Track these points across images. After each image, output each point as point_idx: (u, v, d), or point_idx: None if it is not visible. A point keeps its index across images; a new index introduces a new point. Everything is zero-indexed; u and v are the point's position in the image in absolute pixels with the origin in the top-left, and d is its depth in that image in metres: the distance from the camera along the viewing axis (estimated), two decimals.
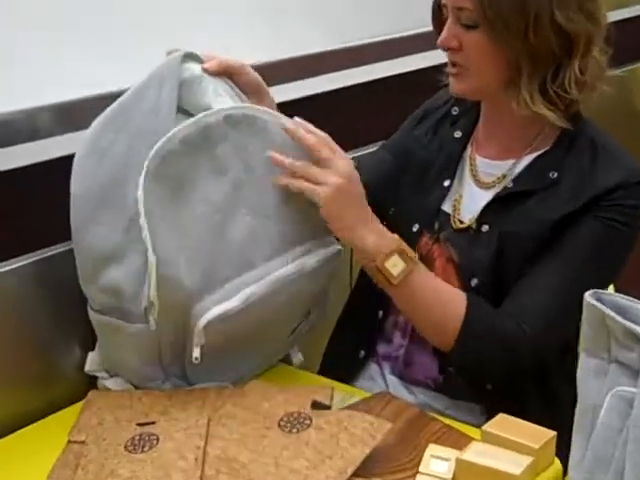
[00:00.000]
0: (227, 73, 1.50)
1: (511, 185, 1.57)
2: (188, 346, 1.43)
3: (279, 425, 1.34)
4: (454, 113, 1.70)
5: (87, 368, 1.55)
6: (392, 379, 1.67)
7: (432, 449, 1.31)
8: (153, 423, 1.37)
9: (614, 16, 1.91)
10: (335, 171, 1.45)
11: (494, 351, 1.50)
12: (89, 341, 1.55)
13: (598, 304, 1.11)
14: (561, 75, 1.50)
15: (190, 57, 1.47)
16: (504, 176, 1.59)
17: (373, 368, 1.69)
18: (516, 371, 1.54)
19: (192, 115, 1.43)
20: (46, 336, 1.55)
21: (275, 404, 1.38)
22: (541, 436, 1.33)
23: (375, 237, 1.47)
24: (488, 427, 1.34)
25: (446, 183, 1.64)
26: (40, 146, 1.57)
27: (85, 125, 1.47)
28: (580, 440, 1.15)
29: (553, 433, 1.33)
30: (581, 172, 1.54)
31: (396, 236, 1.49)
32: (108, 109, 1.45)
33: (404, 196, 1.67)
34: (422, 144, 1.70)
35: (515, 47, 1.48)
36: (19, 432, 1.46)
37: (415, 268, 1.49)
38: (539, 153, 1.58)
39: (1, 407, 1.48)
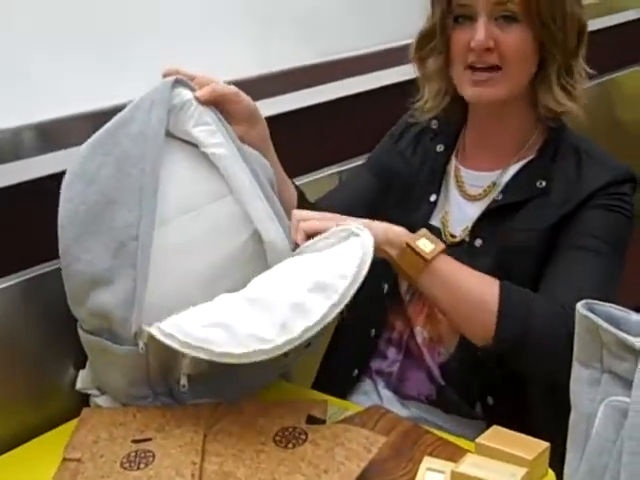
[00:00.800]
0: (220, 101, 1.50)
1: (500, 197, 1.58)
2: (175, 370, 1.44)
3: (274, 440, 1.34)
4: (434, 127, 1.70)
5: (78, 386, 1.56)
6: (386, 394, 1.68)
7: (427, 462, 1.32)
8: (149, 440, 1.37)
9: (596, 24, 1.94)
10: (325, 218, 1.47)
11: (542, 329, 1.43)
12: (81, 359, 1.56)
13: (590, 314, 1.12)
14: (572, 68, 1.54)
15: (181, 83, 1.48)
16: (492, 185, 1.60)
17: (367, 383, 1.70)
18: (558, 355, 1.38)
19: (179, 140, 1.46)
20: (38, 354, 1.55)
21: (270, 419, 1.39)
22: (535, 447, 1.33)
23: (398, 228, 1.47)
24: (482, 439, 1.35)
25: (432, 198, 1.64)
26: (26, 164, 1.57)
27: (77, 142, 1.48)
28: (574, 450, 1.16)
29: (546, 444, 1.34)
30: (568, 179, 1.55)
31: (424, 229, 1.49)
32: (97, 133, 1.46)
33: (391, 216, 1.65)
34: (405, 160, 1.71)
35: (551, 41, 1.49)
36: (13, 451, 1.47)
37: (444, 252, 1.46)
38: (525, 162, 1.59)
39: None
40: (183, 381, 1.42)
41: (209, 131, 1.46)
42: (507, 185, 1.59)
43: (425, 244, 1.45)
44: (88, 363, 1.55)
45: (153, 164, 1.41)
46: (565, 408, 1.60)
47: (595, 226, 1.52)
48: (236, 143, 1.47)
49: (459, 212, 1.63)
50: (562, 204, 1.54)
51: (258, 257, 1.47)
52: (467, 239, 1.59)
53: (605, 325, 1.09)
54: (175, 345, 1.33)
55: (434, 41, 1.59)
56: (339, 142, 2.08)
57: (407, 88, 1.67)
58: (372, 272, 1.65)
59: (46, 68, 1.61)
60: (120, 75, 1.68)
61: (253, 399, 1.48)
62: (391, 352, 1.68)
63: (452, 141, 1.68)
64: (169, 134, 1.47)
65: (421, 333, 1.64)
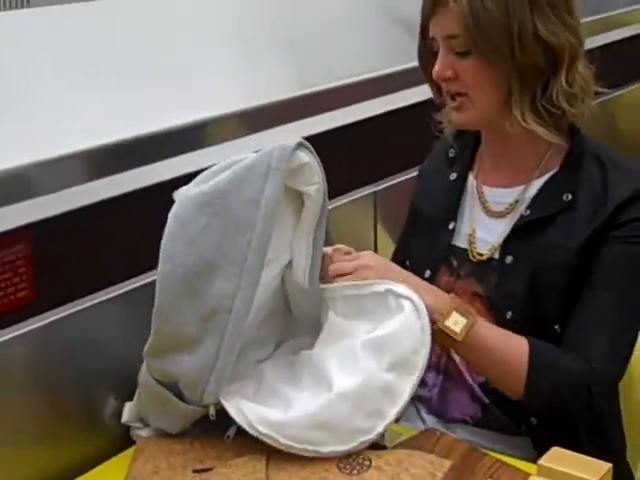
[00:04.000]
0: None
1: (528, 213, 1.59)
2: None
3: (338, 467, 1.34)
4: (451, 155, 1.72)
5: (124, 419, 1.54)
6: (429, 419, 1.67)
7: None
8: (210, 469, 1.36)
9: (597, 41, 1.96)
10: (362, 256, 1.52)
11: (567, 393, 1.51)
12: (125, 392, 1.55)
13: None
14: (549, 90, 1.53)
15: (303, 145, 1.42)
16: (516, 202, 1.61)
17: (410, 410, 1.69)
18: (597, 407, 1.53)
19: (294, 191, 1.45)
20: (82, 388, 1.54)
21: None
22: (598, 469, 1.33)
23: (430, 297, 1.48)
24: (544, 461, 1.34)
25: (450, 226, 1.66)
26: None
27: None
28: None
29: (609, 465, 1.34)
30: (594, 189, 1.56)
31: (451, 294, 1.52)
32: (205, 189, 1.39)
33: (414, 245, 1.72)
34: (427, 195, 1.73)
35: (505, 67, 1.50)
36: None
37: (475, 321, 1.49)
38: (549, 175, 1.60)
39: (44, 459, 1.48)
40: (230, 432, 1.43)
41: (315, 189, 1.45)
42: (533, 200, 1.59)
43: (456, 321, 1.48)
44: (137, 398, 1.53)
45: (262, 238, 1.37)
46: (607, 426, 1.62)
47: (618, 265, 1.53)
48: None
49: (485, 230, 1.63)
50: (591, 219, 1.54)
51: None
52: (497, 256, 1.60)
53: None
54: (274, 444, 1.35)
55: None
56: (373, 162, 2.08)
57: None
58: None
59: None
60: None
61: None
62: (430, 377, 1.67)
63: (467, 165, 1.69)
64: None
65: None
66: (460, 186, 1.68)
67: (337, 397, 1.37)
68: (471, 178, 1.68)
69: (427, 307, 1.45)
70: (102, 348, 1.54)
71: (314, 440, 1.35)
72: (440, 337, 1.48)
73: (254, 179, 1.37)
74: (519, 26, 1.49)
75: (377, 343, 1.41)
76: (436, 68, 1.55)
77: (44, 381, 1.47)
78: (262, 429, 1.35)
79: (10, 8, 4.34)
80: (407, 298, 1.43)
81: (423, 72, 1.63)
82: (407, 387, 1.39)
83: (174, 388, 1.43)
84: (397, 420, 1.54)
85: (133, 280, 1.57)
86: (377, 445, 1.40)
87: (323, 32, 2.30)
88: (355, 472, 1.32)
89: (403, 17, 2.46)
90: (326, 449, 1.35)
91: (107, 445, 1.52)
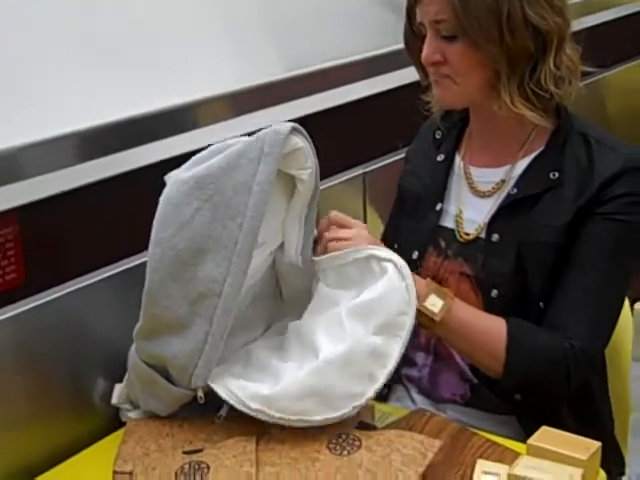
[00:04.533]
0: None
1: (515, 191, 1.59)
2: None
3: (328, 447, 1.34)
4: (437, 137, 1.73)
5: (114, 401, 1.54)
6: (419, 399, 1.68)
7: (481, 465, 1.32)
8: (200, 450, 1.37)
9: (583, 23, 1.96)
10: (357, 240, 1.51)
11: (544, 371, 1.53)
12: (115, 374, 1.55)
13: None
14: (537, 73, 1.53)
15: (297, 131, 1.42)
16: (503, 181, 1.61)
17: (399, 389, 1.70)
18: (575, 384, 1.54)
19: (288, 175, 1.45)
20: (72, 370, 1.54)
21: (322, 426, 1.38)
22: (587, 447, 1.34)
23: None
24: (533, 440, 1.35)
25: (437, 207, 1.67)
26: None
27: None
28: (638, 448, 1.17)
29: (598, 444, 1.34)
30: (580, 168, 1.56)
31: (428, 279, 1.54)
32: (196, 173, 1.39)
33: (403, 226, 1.72)
34: (416, 177, 1.74)
35: (493, 51, 1.50)
36: (55, 469, 1.46)
37: (453, 303, 1.52)
38: (535, 154, 1.60)
39: (35, 441, 1.48)
40: (222, 412, 1.43)
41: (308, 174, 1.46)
42: (520, 179, 1.60)
43: (434, 303, 1.51)
44: (127, 380, 1.53)
45: (253, 222, 1.36)
46: (597, 404, 1.63)
47: (602, 244, 1.54)
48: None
49: (472, 210, 1.64)
50: (577, 197, 1.55)
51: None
52: (483, 235, 1.61)
53: None
54: (265, 418, 1.36)
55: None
56: (362, 144, 2.08)
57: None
58: None
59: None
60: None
61: None
62: (420, 357, 1.69)
63: (454, 146, 1.70)
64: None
65: None
66: (447, 167, 1.69)
67: (325, 364, 1.37)
68: (458, 159, 1.69)
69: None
70: (92, 330, 1.54)
71: (306, 410, 1.35)
72: (419, 319, 1.49)
73: (246, 164, 1.37)
74: (508, 10, 1.49)
75: (362, 308, 1.41)
76: (424, 53, 1.55)
77: (34, 363, 1.47)
78: (253, 405, 1.36)
79: None
80: (389, 260, 1.45)
81: (410, 55, 1.64)
82: (395, 349, 1.39)
83: (163, 371, 1.43)
84: (386, 399, 1.56)
85: (122, 262, 1.57)
86: (367, 425, 1.41)
87: (313, 15, 2.29)
88: (345, 452, 1.33)
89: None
90: (318, 417, 1.36)
91: (96, 427, 1.52)
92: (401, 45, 1.66)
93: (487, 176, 1.64)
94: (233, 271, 1.36)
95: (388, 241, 1.70)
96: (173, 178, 1.42)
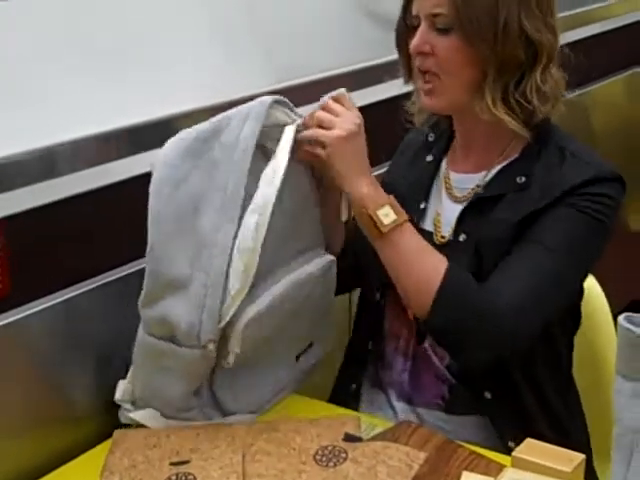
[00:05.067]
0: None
1: (481, 192, 1.62)
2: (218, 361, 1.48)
3: (315, 459, 1.35)
4: (430, 140, 1.74)
5: (117, 396, 1.54)
6: (400, 405, 1.68)
7: (467, 477, 1.32)
8: (186, 462, 1.37)
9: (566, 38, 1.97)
10: (344, 120, 1.51)
11: (468, 319, 1.50)
12: (102, 385, 1.56)
13: (631, 326, 1.13)
14: (523, 84, 1.55)
15: (280, 104, 1.50)
16: (477, 186, 1.63)
17: (380, 397, 1.71)
18: (494, 352, 1.53)
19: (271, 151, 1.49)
20: (65, 378, 1.54)
21: (308, 438, 1.39)
22: (572, 459, 1.34)
23: (371, 188, 1.52)
24: (518, 453, 1.36)
25: (421, 205, 1.68)
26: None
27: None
28: (620, 464, 1.17)
29: (582, 456, 1.35)
30: (549, 175, 1.57)
31: (391, 195, 1.54)
32: (187, 136, 1.46)
33: None
34: (403, 174, 1.75)
35: (484, 51, 1.52)
36: (48, 476, 1.46)
37: (405, 223, 1.52)
38: (508, 161, 1.62)
39: (25, 451, 1.48)
40: (230, 359, 1.46)
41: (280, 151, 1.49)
42: (488, 182, 1.63)
43: (387, 214, 1.51)
44: (131, 374, 1.54)
45: (239, 176, 1.44)
46: (561, 414, 1.64)
47: (558, 225, 1.54)
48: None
49: (449, 214, 1.66)
50: (538, 199, 1.56)
51: None
52: (452, 237, 1.63)
53: None
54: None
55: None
56: None
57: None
58: (363, 282, 1.74)
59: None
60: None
61: (286, 418, 1.48)
62: (399, 362, 1.69)
63: (442, 149, 1.71)
64: (259, 146, 1.49)
65: (428, 338, 1.66)
66: (433, 169, 1.70)
67: None
68: (444, 163, 1.71)
69: (363, 194, 1.50)
70: (80, 340, 1.53)
71: None
72: (367, 225, 1.51)
73: (233, 126, 1.46)
74: (506, 15, 1.51)
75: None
76: (414, 42, 1.56)
77: (22, 374, 1.47)
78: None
79: None
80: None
81: (398, 49, 1.64)
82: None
83: (171, 340, 1.46)
84: (359, 402, 1.61)
85: (110, 273, 1.57)
86: (353, 437, 1.42)
87: (304, 28, 2.30)
88: (332, 464, 1.34)
89: (378, 12, 2.47)
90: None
91: (85, 437, 1.52)
92: (385, 58, 1.67)
93: (463, 182, 1.66)
94: (225, 222, 1.43)
95: None
96: (167, 143, 1.48)
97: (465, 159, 1.67)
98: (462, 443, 1.47)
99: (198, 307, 1.42)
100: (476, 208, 1.61)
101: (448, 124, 1.71)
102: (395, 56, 1.68)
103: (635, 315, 1.16)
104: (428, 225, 1.67)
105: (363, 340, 1.73)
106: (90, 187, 1.53)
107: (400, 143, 1.83)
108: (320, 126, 1.52)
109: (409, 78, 1.65)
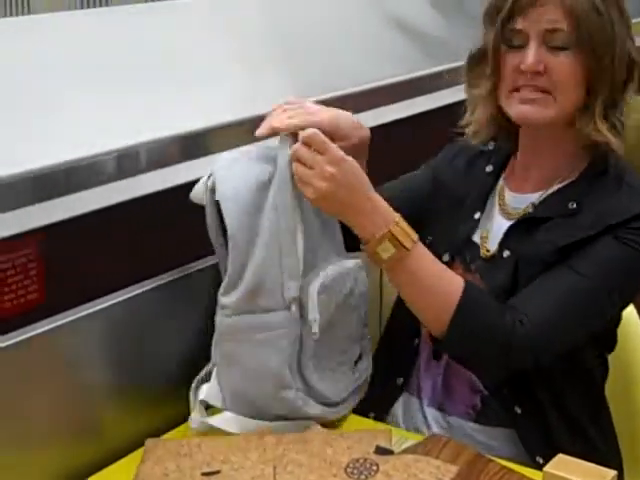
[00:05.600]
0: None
1: (531, 211, 1.61)
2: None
3: (346, 472, 1.35)
4: (490, 148, 1.73)
5: (202, 397, 1.56)
6: (431, 412, 1.68)
7: None
8: (218, 472, 1.38)
9: None
10: (315, 175, 1.45)
11: (486, 342, 1.49)
12: (136, 393, 1.57)
13: None
14: (619, 102, 1.56)
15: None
16: (530, 205, 1.62)
17: (412, 402, 1.71)
18: (513, 369, 1.53)
19: None
20: (93, 390, 1.54)
21: (339, 450, 1.40)
22: (603, 475, 1.35)
23: (368, 223, 1.48)
24: (550, 468, 1.36)
25: (476, 215, 1.67)
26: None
27: None
28: None
29: (614, 472, 1.35)
30: (602, 205, 1.56)
31: (394, 217, 1.48)
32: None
33: (436, 226, 1.70)
34: (456, 177, 1.73)
35: (599, 72, 1.52)
36: None
37: (407, 254, 1.48)
38: (564, 184, 1.61)
39: (54, 462, 1.48)
40: (315, 328, 1.50)
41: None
42: (540, 202, 1.62)
43: (386, 249, 1.47)
44: (215, 374, 1.56)
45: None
46: (587, 428, 1.63)
47: (597, 253, 1.53)
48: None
49: (498, 230, 1.65)
50: (587, 227, 1.55)
51: None
52: (497, 252, 1.62)
53: None
54: None
55: (484, 65, 1.61)
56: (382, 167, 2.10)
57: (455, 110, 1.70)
58: None
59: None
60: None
61: (317, 429, 1.48)
62: (433, 365, 1.69)
63: (502, 162, 1.70)
64: None
65: None
66: (492, 181, 1.70)
67: None
68: (501, 179, 1.70)
69: (360, 232, 1.48)
70: (111, 352, 1.55)
71: None
72: (370, 259, 1.50)
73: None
74: (621, 36, 1.53)
75: None
76: (530, 60, 1.52)
77: (54, 384, 1.48)
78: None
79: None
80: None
81: (491, 62, 1.59)
82: None
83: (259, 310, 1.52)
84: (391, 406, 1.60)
85: (141, 284, 1.59)
86: (385, 450, 1.42)
87: (324, 44, 2.31)
88: (363, 477, 1.34)
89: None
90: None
91: (116, 446, 1.52)
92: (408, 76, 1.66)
93: (519, 202, 1.65)
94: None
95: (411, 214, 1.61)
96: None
97: (524, 179, 1.66)
98: (493, 458, 1.47)
99: (278, 266, 1.49)
100: (523, 226, 1.61)
101: (510, 141, 1.68)
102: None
103: None
104: (477, 237, 1.67)
105: (409, 334, 1.71)
106: (124, 198, 1.55)
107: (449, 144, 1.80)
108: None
109: (493, 89, 1.60)
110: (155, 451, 1.46)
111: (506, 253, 1.61)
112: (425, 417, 1.69)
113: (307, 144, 1.46)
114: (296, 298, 1.50)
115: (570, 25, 1.51)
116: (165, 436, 1.55)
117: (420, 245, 1.50)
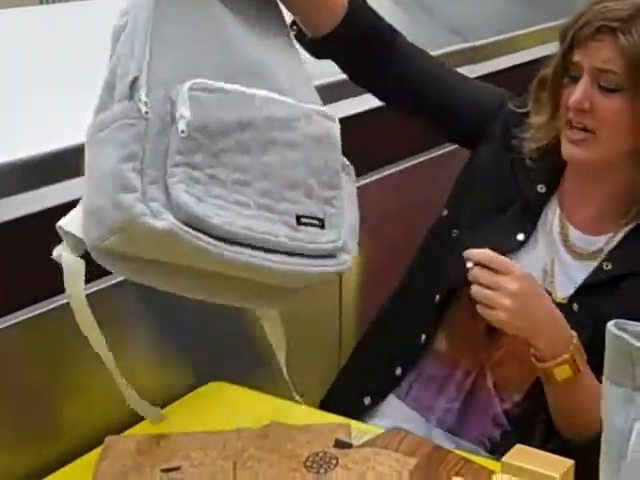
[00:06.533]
0: None
1: (609, 267, 1.54)
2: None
3: (305, 466, 1.35)
4: (528, 164, 1.60)
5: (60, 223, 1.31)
6: (439, 433, 1.64)
7: None
8: (178, 469, 1.37)
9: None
10: (499, 296, 1.42)
11: None
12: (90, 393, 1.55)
13: (622, 334, 1.14)
14: None
15: None
16: (600, 250, 1.56)
17: (417, 419, 1.66)
18: None
19: None
20: (46, 389, 1.54)
21: (298, 444, 1.40)
22: (560, 465, 1.35)
23: (549, 342, 1.45)
24: (508, 459, 1.36)
25: (520, 237, 1.59)
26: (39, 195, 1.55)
27: None
28: (610, 469, 1.18)
29: (571, 462, 1.36)
30: None
31: (573, 341, 1.45)
32: None
33: (469, 222, 1.63)
34: (501, 157, 1.64)
35: None
36: None
37: (580, 376, 1.46)
38: (633, 226, 1.55)
39: (15, 460, 1.47)
40: (182, 126, 1.22)
41: None
42: (614, 252, 1.55)
43: (564, 371, 1.45)
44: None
45: None
46: None
47: None
48: None
49: (564, 270, 1.58)
50: None
51: None
52: (567, 301, 1.55)
53: (638, 344, 1.11)
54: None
55: (546, 92, 1.57)
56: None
57: None
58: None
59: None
60: None
61: (278, 425, 1.48)
62: (450, 390, 1.64)
63: (554, 183, 1.61)
64: None
65: (490, 377, 1.62)
66: (544, 202, 1.60)
67: None
68: (555, 201, 1.61)
69: (541, 352, 1.44)
70: (66, 351, 1.53)
71: None
72: (541, 374, 1.47)
73: None
74: None
75: None
76: (574, 97, 1.47)
77: (4, 385, 1.46)
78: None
79: None
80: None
81: (549, 90, 1.55)
82: None
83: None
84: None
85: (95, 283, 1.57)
86: (344, 443, 1.42)
87: None
88: (322, 471, 1.34)
89: None
90: None
91: (74, 446, 1.52)
92: None
93: (586, 243, 1.57)
94: None
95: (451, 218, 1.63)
96: None
97: (580, 209, 1.58)
98: (452, 449, 1.48)
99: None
100: (599, 282, 1.53)
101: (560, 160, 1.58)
102: None
103: (625, 322, 1.17)
104: (534, 267, 1.56)
105: (418, 329, 1.65)
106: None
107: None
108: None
109: (552, 118, 1.55)
110: (114, 448, 1.45)
111: (575, 306, 1.53)
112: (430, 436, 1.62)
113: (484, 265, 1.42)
114: (142, 87, 1.23)
115: (623, 67, 1.43)
116: (124, 433, 1.54)
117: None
